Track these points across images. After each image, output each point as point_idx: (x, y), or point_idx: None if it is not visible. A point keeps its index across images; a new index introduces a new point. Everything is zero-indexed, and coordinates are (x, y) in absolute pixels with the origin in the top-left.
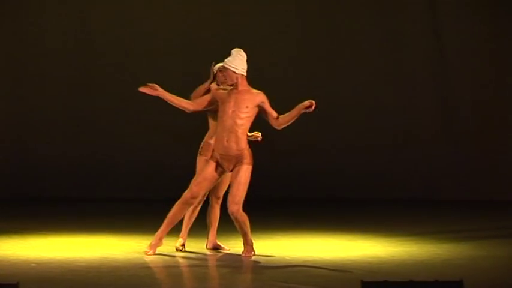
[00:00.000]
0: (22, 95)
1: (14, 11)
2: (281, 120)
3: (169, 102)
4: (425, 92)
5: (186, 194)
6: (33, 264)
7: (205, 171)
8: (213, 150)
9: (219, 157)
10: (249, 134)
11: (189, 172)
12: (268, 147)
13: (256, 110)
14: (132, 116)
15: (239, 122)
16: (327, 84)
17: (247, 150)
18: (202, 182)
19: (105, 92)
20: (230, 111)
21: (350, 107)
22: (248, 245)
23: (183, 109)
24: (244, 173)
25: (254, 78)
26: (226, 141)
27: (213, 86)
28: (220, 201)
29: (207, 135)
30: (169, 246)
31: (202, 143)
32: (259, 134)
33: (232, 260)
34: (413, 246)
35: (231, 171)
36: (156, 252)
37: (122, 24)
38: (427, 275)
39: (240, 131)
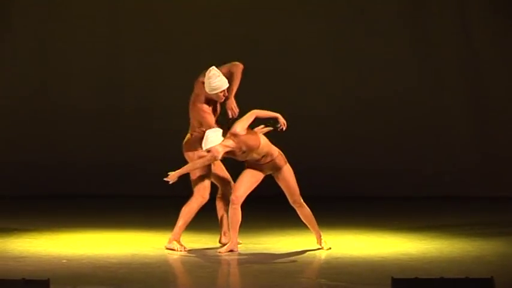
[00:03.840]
0: (50, 91)
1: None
2: None
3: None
4: (454, 90)
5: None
6: (64, 261)
7: None
8: None
9: None
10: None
11: None
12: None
13: None
14: (163, 113)
15: None
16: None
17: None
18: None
19: (133, 88)
20: None
21: (377, 104)
22: None
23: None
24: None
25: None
26: None
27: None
28: None
29: None
30: (200, 243)
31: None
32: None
33: (260, 257)
34: (444, 243)
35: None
36: (187, 248)
37: (149, 21)
38: (458, 272)
39: None
